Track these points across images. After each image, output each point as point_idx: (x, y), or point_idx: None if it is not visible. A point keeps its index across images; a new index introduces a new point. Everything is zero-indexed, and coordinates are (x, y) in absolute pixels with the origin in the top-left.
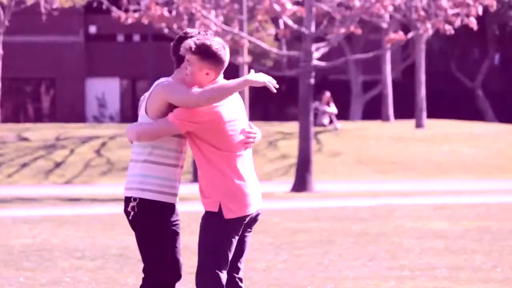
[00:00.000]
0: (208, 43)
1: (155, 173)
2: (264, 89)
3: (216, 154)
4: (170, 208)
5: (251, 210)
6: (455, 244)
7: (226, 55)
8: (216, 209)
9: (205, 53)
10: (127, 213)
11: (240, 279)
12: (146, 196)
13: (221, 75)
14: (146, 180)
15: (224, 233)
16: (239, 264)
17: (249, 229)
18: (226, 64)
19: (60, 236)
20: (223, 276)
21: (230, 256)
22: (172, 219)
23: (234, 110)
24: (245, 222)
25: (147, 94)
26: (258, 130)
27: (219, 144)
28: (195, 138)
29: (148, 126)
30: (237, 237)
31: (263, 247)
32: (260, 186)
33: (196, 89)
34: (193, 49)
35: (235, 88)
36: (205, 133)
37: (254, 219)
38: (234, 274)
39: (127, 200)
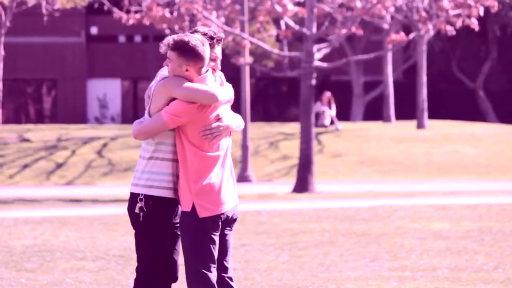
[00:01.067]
0: (186, 39)
1: (162, 169)
2: (265, 89)
3: (195, 153)
4: (174, 204)
5: (226, 208)
6: (456, 244)
7: (205, 52)
8: (189, 209)
9: (183, 49)
10: (130, 210)
11: (230, 278)
12: (153, 192)
13: (209, 72)
14: (153, 177)
15: (202, 232)
16: (225, 263)
17: (228, 228)
18: (206, 61)
19: (62, 237)
20: (212, 275)
21: (215, 253)
22: (174, 221)
23: (221, 112)
24: (221, 220)
25: (153, 85)
26: (234, 120)
27: (200, 143)
28: (182, 134)
29: (142, 125)
30: (217, 234)
31: (264, 247)
32: (236, 187)
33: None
34: (171, 45)
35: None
36: (191, 130)
37: (232, 219)
38: (223, 274)
39: (133, 196)
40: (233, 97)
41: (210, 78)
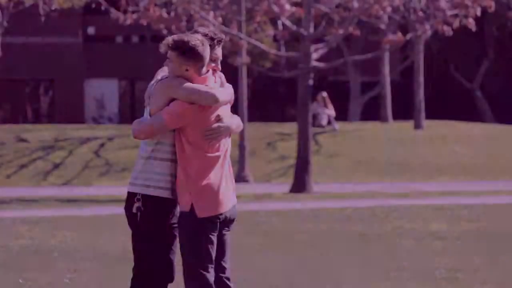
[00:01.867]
0: (186, 39)
1: (160, 169)
2: (263, 90)
3: (195, 153)
4: (172, 204)
5: (224, 209)
6: (453, 245)
7: (205, 51)
8: (188, 209)
9: (183, 48)
10: (128, 209)
11: (228, 279)
12: (150, 192)
13: (210, 73)
14: (150, 176)
15: (200, 232)
16: (223, 264)
17: (226, 228)
18: (206, 61)
19: (59, 237)
20: (210, 275)
21: (213, 254)
22: (172, 221)
23: (221, 113)
24: (220, 221)
25: (153, 84)
26: (233, 121)
27: (200, 144)
28: (182, 135)
29: (142, 125)
30: (215, 235)
31: (261, 248)
32: (234, 187)
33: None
34: (170, 45)
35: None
36: (191, 131)
37: (230, 220)
38: (221, 274)
39: (130, 195)
40: (233, 98)
41: (210, 79)
